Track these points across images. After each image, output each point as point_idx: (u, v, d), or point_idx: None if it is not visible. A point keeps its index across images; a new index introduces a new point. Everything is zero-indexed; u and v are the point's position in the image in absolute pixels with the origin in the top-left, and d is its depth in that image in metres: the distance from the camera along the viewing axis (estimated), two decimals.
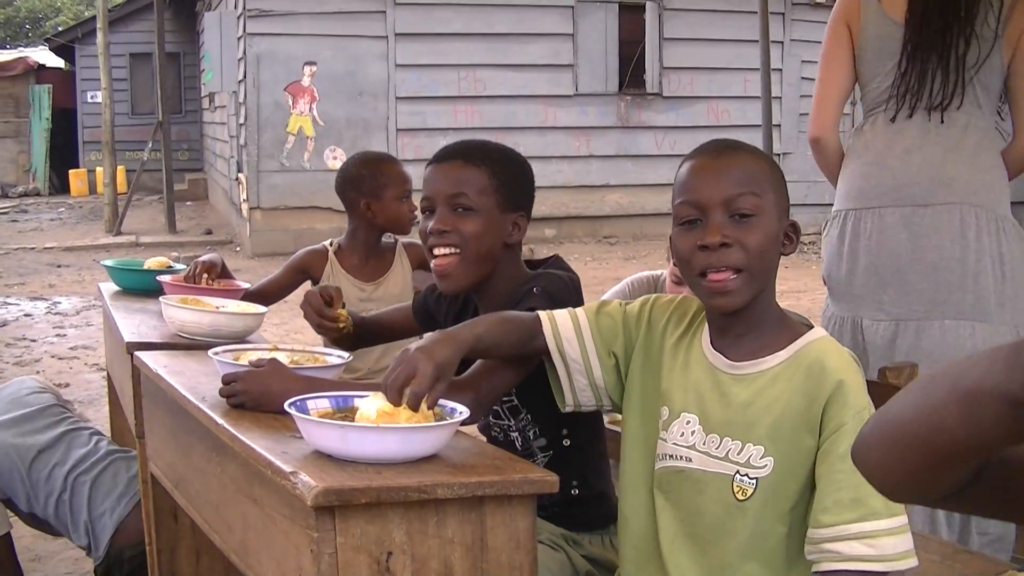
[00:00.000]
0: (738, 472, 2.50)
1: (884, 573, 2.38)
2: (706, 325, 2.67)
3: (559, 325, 2.81)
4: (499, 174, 3.15)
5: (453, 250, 3.10)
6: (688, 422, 2.59)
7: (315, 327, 3.48)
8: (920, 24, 4.13)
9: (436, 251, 3.13)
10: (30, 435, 4.75)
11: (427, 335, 2.77)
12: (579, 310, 2.85)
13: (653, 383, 2.72)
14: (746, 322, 2.58)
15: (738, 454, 2.51)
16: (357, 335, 3.51)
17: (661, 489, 2.63)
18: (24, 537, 5.70)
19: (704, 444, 2.56)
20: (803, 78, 19.32)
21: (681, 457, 2.59)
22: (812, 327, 2.61)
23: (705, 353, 2.63)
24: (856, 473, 2.33)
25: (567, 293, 3.04)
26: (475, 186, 3.11)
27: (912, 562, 2.39)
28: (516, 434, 3.18)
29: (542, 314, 2.84)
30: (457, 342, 2.63)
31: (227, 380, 2.82)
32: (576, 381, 2.81)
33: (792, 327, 2.60)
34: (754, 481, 2.48)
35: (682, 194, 2.59)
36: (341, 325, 3.38)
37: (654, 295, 2.84)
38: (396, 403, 2.43)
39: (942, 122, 4.15)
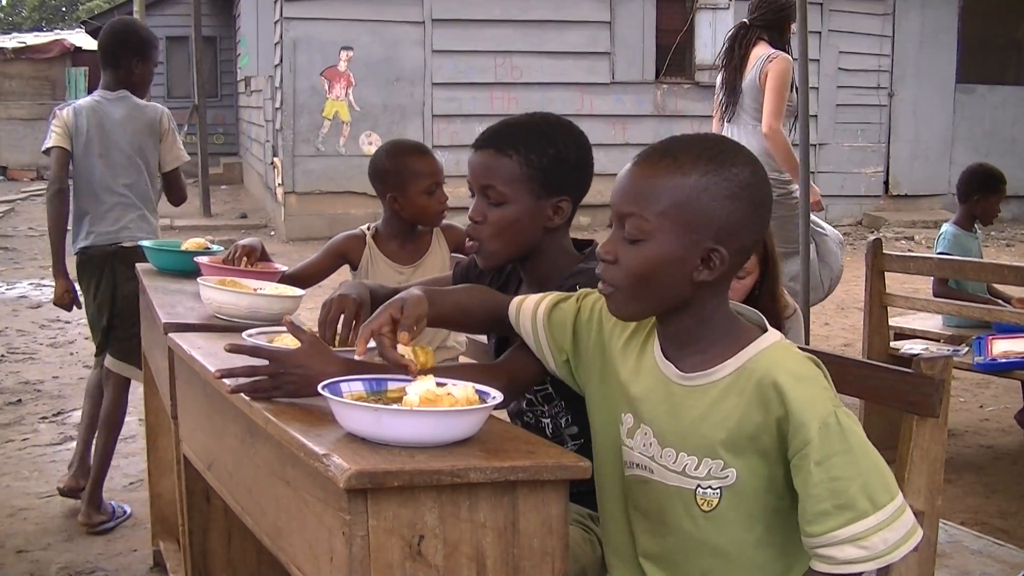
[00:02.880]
0: (699, 486, 2.46)
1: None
2: (656, 332, 2.61)
3: (521, 314, 2.87)
4: (533, 162, 3.12)
5: (478, 247, 3.16)
6: (646, 433, 2.56)
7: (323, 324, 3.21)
8: (724, 80, 7.92)
9: (468, 240, 3.18)
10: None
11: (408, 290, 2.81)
12: (545, 301, 2.85)
13: (613, 387, 2.68)
14: (681, 331, 2.52)
15: (695, 469, 2.46)
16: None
17: (632, 496, 2.62)
18: (56, 518, 5.74)
19: (661, 457, 2.52)
20: (840, 69, 19.25)
21: (644, 467, 2.57)
22: (766, 330, 2.52)
23: (657, 362, 2.57)
24: (835, 480, 2.33)
25: None
26: (504, 177, 3.11)
27: (909, 546, 2.33)
28: (548, 420, 3.19)
29: (516, 299, 2.91)
30: (430, 303, 2.79)
31: (259, 355, 2.74)
32: (545, 362, 2.86)
33: (743, 331, 2.51)
34: (718, 491, 2.44)
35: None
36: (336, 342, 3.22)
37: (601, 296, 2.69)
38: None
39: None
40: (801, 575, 2.47)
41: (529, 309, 2.85)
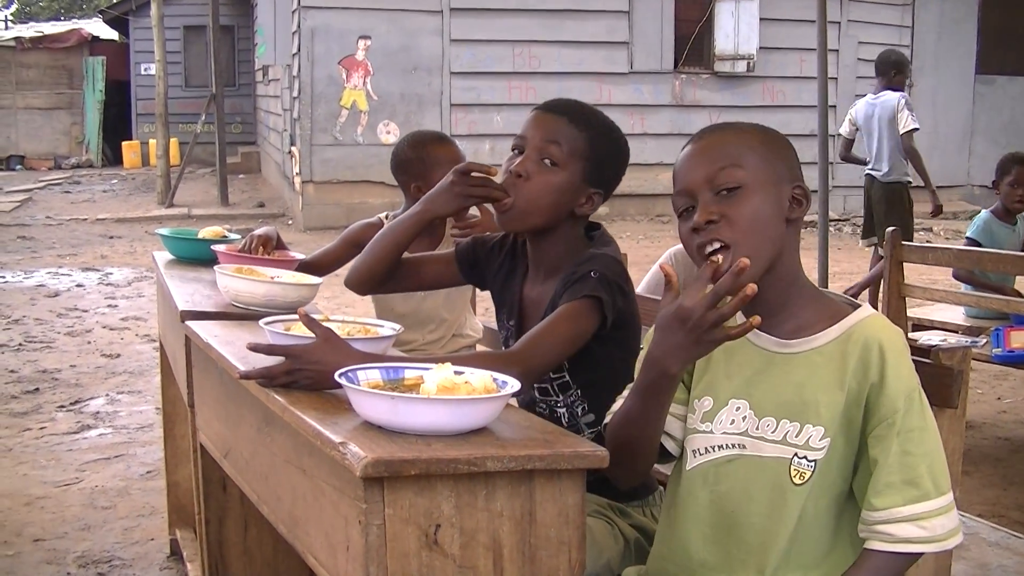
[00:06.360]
0: (796, 455, 2.46)
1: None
2: None
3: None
4: (597, 146, 3.14)
5: (511, 201, 3.09)
6: (738, 408, 2.55)
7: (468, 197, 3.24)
8: None
9: (510, 192, 3.11)
10: None
11: None
12: None
13: (691, 382, 2.67)
14: (773, 296, 2.53)
15: (796, 436, 2.46)
16: (392, 275, 3.45)
17: (707, 484, 2.58)
18: (73, 507, 5.75)
19: (758, 429, 2.51)
20: (859, 59, 19.21)
21: (733, 445, 2.54)
22: (858, 305, 2.56)
23: (747, 336, 2.56)
24: (907, 455, 2.36)
25: (621, 278, 3.03)
26: (570, 144, 3.10)
27: (958, 539, 2.41)
28: (563, 409, 3.17)
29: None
30: None
31: (275, 353, 2.77)
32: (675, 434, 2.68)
33: (833, 304, 2.56)
34: (812, 464, 2.44)
35: (674, 186, 2.58)
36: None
37: None
38: None
39: None
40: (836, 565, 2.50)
41: None
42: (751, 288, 2.29)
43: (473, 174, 3.21)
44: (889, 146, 10.46)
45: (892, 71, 10.51)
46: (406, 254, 3.41)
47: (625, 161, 3.25)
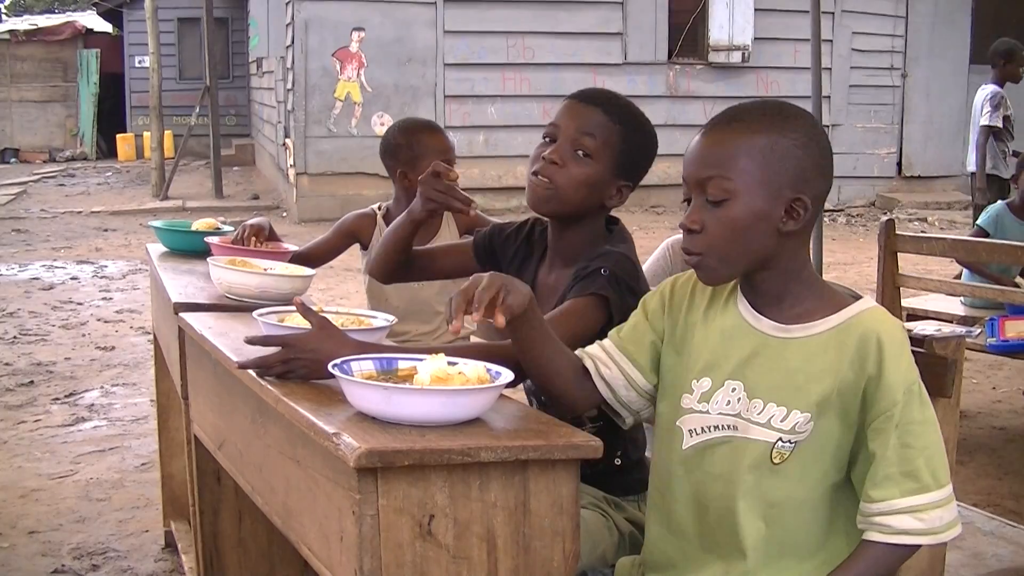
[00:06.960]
0: (780, 439, 2.45)
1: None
2: (739, 292, 2.63)
3: (596, 360, 2.77)
4: (629, 139, 3.15)
5: (550, 185, 3.10)
6: (733, 389, 2.54)
7: (437, 200, 3.31)
8: None
9: (538, 176, 3.11)
10: None
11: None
12: (609, 338, 2.78)
13: (686, 359, 2.66)
14: (770, 287, 2.54)
15: (782, 420, 2.45)
16: (407, 268, 3.50)
17: (702, 464, 2.58)
18: (68, 499, 5.74)
19: (748, 411, 2.51)
20: (853, 49, 19.21)
21: (727, 427, 2.54)
22: (860, 297, 2.55)
23: (747, 319, 2.58)
24: (906, 447, 2.36)
25: (632, 277, 3.04)
26: (604, 139, 3.10)
27: (956, 531, 2.43)
28: None
29: (585, 353, 2.79)
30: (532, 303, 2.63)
31: (270, 343, 2.76)
32: (626, 399, 2.75)
33: (836, 295, 2.56)
34: (792, 445, 2.45)
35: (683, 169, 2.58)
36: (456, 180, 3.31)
37: (672, 277, 2.77)
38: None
39: None
40: (832, 557, 2.50)
41: (599, 353, 2.77)
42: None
43: (440, 180, 3.26)
44: (974, 139, 10.63)
45: (1001, 60, 10.56)
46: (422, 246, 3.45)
47: (654, 154, 3.25)
